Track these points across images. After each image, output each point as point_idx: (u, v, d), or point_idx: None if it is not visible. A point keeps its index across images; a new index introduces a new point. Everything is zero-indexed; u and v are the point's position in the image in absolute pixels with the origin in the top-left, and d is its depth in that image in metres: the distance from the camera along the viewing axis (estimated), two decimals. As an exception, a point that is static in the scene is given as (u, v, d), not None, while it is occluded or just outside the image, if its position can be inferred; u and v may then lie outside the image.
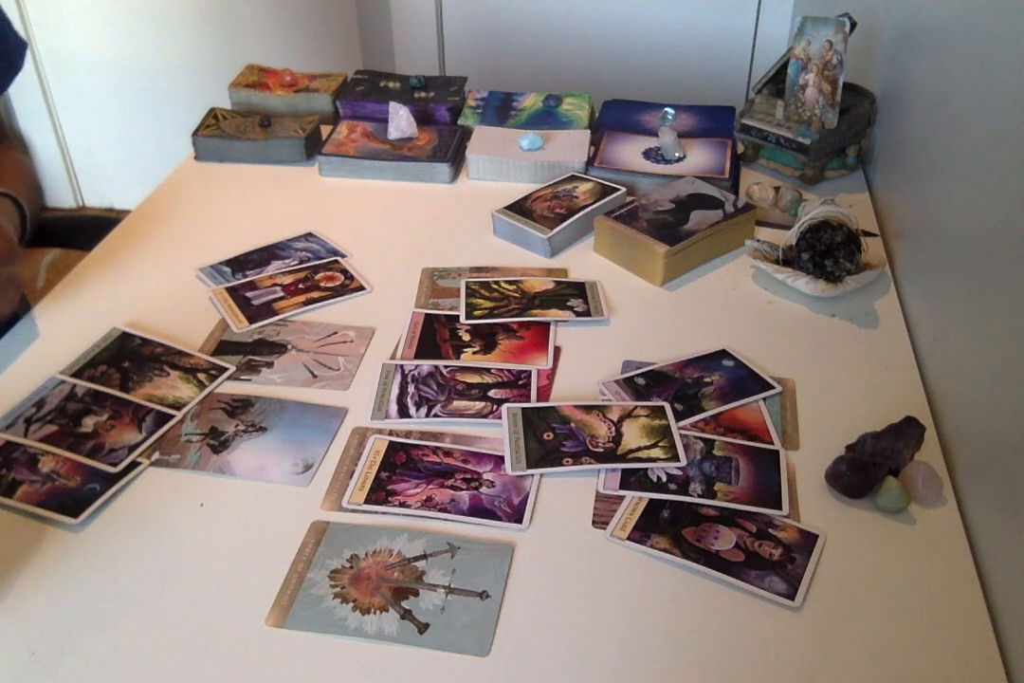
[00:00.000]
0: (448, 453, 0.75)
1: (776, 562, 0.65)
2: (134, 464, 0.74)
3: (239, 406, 0.80)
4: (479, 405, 0.80)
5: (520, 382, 0.83)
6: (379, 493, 0.71)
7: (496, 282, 0.96)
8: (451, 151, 1.17)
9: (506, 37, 2.27)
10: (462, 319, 0.90)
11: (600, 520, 0.69)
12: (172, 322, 0.91)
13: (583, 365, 0.85)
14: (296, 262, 1.00)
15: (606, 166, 1.13)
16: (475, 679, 0.59)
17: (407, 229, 1.07)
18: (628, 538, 0.67)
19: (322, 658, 0.60)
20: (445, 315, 0.91)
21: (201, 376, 0.83)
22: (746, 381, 0.82)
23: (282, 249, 1.03)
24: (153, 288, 0.97)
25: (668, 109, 1.24)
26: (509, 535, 0.68)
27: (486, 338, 0.88)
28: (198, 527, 0.69)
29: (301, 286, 0.96)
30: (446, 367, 0.84)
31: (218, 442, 0.76)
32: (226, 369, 0.84)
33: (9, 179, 0.98)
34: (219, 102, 1.30)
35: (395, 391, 0.81)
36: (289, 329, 0.90)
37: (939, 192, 0.89)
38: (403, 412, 0.79)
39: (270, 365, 0.85)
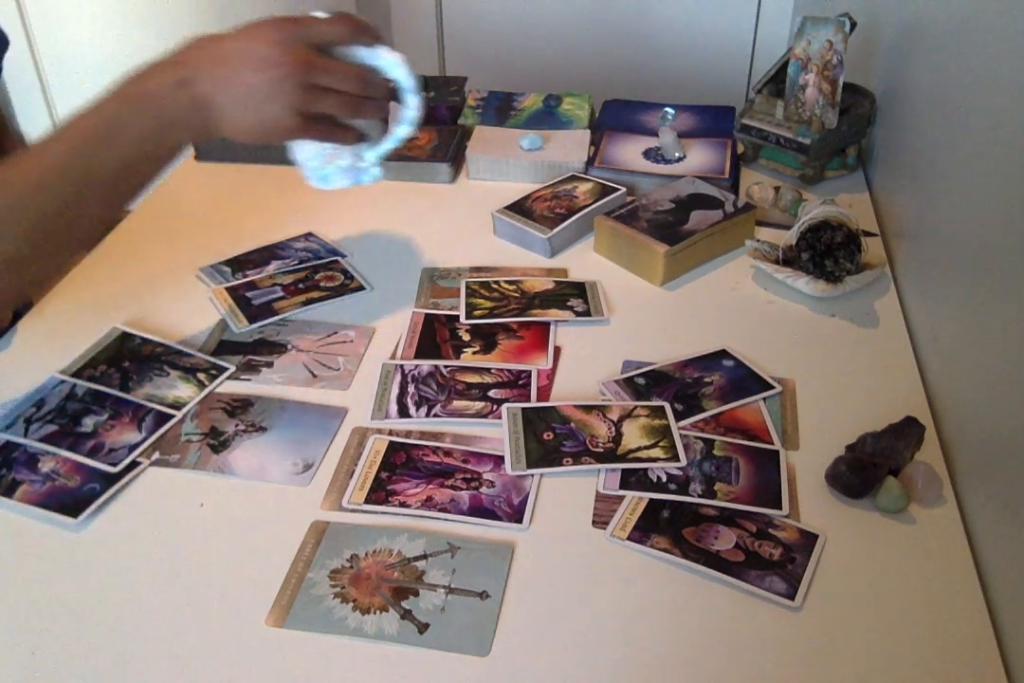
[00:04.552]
0: (448, 453, 0.75)
1: (776, 562, 0.65)
2: (134, 464, 0.74)
3: (239, 406, 0.80)
4: (479, 405, 0.80)
5: (520, 382, 0.83)
6: (379, 493, 0.71)
7: (496, 282, 0.96)
8: (451, 151, 1.17)
9: (506, 37, 2.27)
10: (462, 319, 0.90)
11: (600, 520, 0.69)
12: (172, 322, 0.91)
13: (583, 365, 0.85)
14: (296, 262, 1.00)
15: (606, 166, 1.13)
16: (475, 679, 0.59)
17: (407, 229, 1.07)
18: (628, 538, 0.67)
19: (322, 658, 0.60)
20: (445, 315, 0.91)
21: (201, 376, 0.83)
22: (746, 381, 0.82)
23: (282, 249, 1.03)
24: (153, 288, 0.97)
25: (668, 109, 1.24)
26: (509, 535, 0.68)
27: (486, 338, 0.88)
28: (198, 527, 0.69)
29: (301, 286, 0.96)
30: (446, 367, 0.84)
31: (218, 442, 0.76)
32: (226, 369, 0.84)
33: None
34: (219, 102, 1.29)
35: (395, 391, 0.81)
36: (289, 329, 0.90)
37: (939, 192, 0.89)
38: (403, 412, 0.79)
39: (270, 365, 0.85)
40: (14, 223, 0.67)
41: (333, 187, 0.88)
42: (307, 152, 0.86)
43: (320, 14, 0.78)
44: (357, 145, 0.85)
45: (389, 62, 0.81)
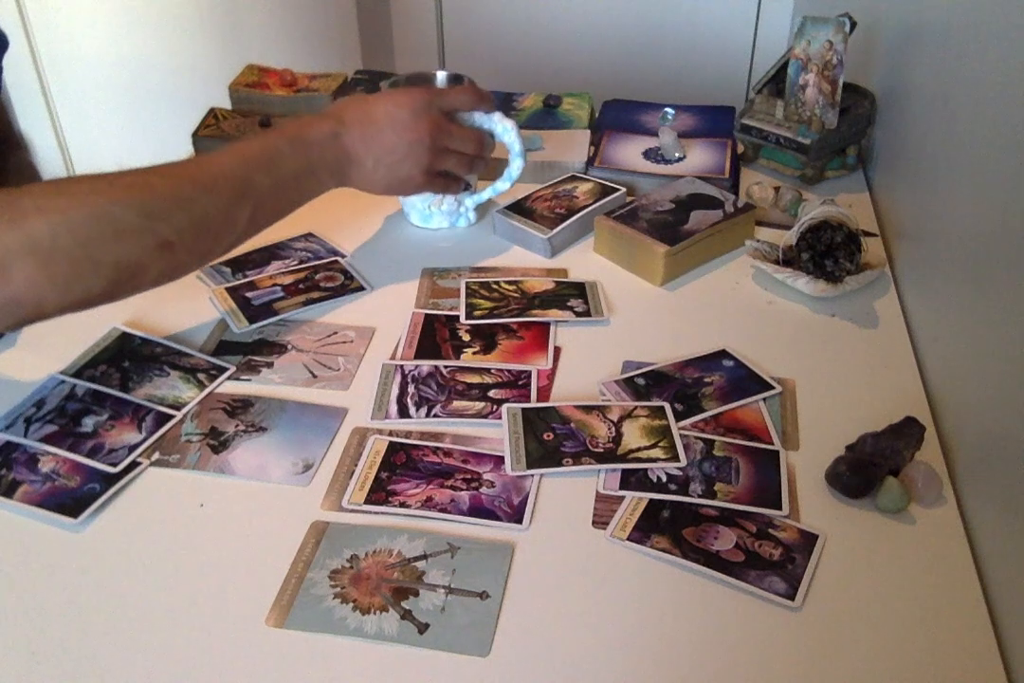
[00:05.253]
0: (448, 453, 0.75)
1: (776, 562, 0.65)
2: (134, 464, 0.74)
3: (239, 406, 0.80)
4: (479, 405, 0.80)
5: (520, 382, 0.83)
6: (379, 493, 0.71)
7: (496, 282, 0.96)
8: (451, 151, 1.17)
9: (506, 37, 2.27)
10: (462, 319, 0.90)
11: (600, 520, 0.69)
12: (172, 322, 0.91)
13: (583, 365, 0.85)
14: (296, 262, 1.00)
15: (606, 166, 1.13)
16: (475, 679, 0.59)
17: (407, 229, 1.07)
18: (628, 538, 0.67)
19: (322, 658, 0.60)
20: (445, 315, 0.91)
21: (201, 376, 0.83)
22: (746, 381, 0.82)
23: (282, 249, 1.03)
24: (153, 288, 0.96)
25: (668, 109, 1.24)
26: (509, 535, 0.68)
27: (486, 338, 0.88)
28: (198, 527, 0.69)
29: (301, 286, 0.96)
30: (446, 367, 0.84)
31: (218, 442, 0.76)
32: (226, 369, 0.84)
33: (15, 181, 0.98)
34: (219, 102, 1.30)
35: (395, 391, 0.81)
36: (289, 329, 0.90)
37: (939, 192, 0.89)
38: (403, 412, 0.79)
39: (270, 365, 0.85)
40: (182, 212, 0.75)
41: (433, 226, 1.05)
42: (416, 196, 1.00)
43: (441, 74, 0.95)
44: (460, 193, 1.00)
45: (504, 128, 0.95)
